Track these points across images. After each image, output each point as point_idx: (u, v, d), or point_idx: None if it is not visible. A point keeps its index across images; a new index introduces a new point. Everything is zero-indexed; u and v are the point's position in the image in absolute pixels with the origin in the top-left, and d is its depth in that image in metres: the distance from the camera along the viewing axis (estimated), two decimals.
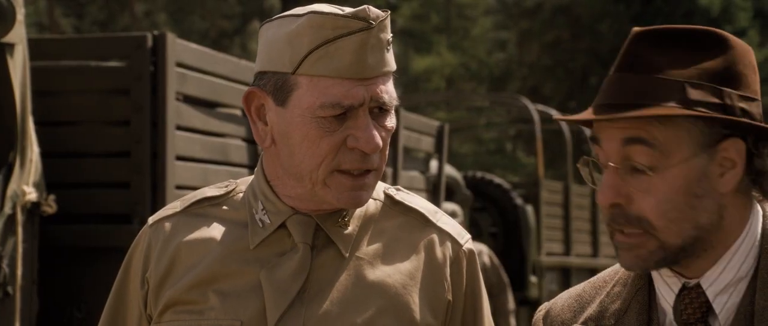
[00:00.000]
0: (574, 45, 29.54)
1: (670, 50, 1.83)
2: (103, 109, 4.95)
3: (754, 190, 1.86)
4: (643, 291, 1.92)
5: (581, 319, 1.96)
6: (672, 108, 1.78)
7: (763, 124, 1.82)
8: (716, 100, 1.80)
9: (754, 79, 1.86)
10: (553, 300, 2.07)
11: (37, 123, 4.69)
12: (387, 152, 2.09)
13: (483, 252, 9.25)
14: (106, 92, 4.98)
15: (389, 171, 7.30)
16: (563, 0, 29.67)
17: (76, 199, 4.87)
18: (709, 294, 1.83)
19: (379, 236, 2.13)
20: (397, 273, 2.10)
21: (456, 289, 2.16)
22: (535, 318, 2.08)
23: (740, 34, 28.77)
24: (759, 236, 1.86)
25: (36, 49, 4.86)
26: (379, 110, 2.05)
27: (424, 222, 2.17)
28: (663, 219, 1.80)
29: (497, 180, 12.03)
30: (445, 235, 2.17)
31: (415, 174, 8.12)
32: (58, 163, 4.87)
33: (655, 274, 1.91)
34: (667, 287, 1.88)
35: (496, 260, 9.36)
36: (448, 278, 2.15)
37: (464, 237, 2.20)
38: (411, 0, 31.43)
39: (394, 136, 7.24)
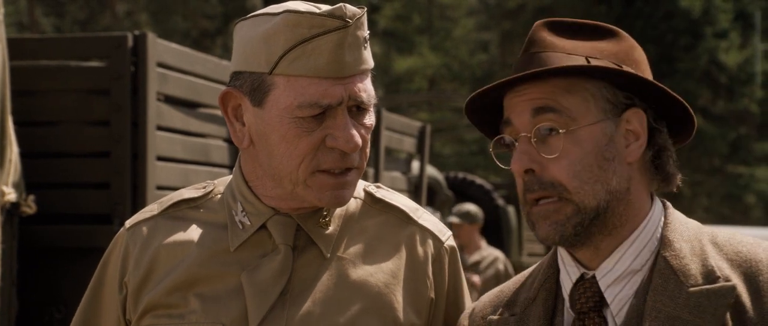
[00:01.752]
0: None
1: (570, 37, 1.92)
2: (83, 109, 4.92)
3: (655, 174, 1.92)
4: (551, 280, 1.96)
5: (498, 311, 2.01)
6: (575, 65, 1.85)
7: (662, 87, 1.88)
8: (617, 68, 1.87)
9: (647, 71, 1.93)
10: (477, 301, 2.11)
11: (16, 123, 4.67)
12: (368, 150, 2.07)
13: (499, 259, 9.31)
14: (87, 92, 4.95)
15: (371, 171, 7.30)
16: (545, 1, 29.72)
17: (56, 199, 4.85)
18: (602, 284, 1.88)
19: (361, 235, 2.12)
20: (379, 272, 2.09)
21: (438, 287, 2.15)
22: (460, 318, 2.11)
23: (721, 35, 28.88)
24: (658, 235, 1.90)
25: (16, 48, 4.84)
26: (358, 109, 2.03)
27: (405, 219, 2.16)
28: (576, 180, 1.84)
29: (479, 180, 12.05)
30: (426, 233, 2.16)
31: (396, 174, 8.13)
32: (37, 163, 4.85)
33: (561, 264, 1.94)
34: (567, 276, 1.93)
35: (510, 268, 9.38)
36: (431, 276, 2.14)
37: (445, 233, 2.19)
38: (393, 0, 31.41)
39: (376, 136, 7.27)
